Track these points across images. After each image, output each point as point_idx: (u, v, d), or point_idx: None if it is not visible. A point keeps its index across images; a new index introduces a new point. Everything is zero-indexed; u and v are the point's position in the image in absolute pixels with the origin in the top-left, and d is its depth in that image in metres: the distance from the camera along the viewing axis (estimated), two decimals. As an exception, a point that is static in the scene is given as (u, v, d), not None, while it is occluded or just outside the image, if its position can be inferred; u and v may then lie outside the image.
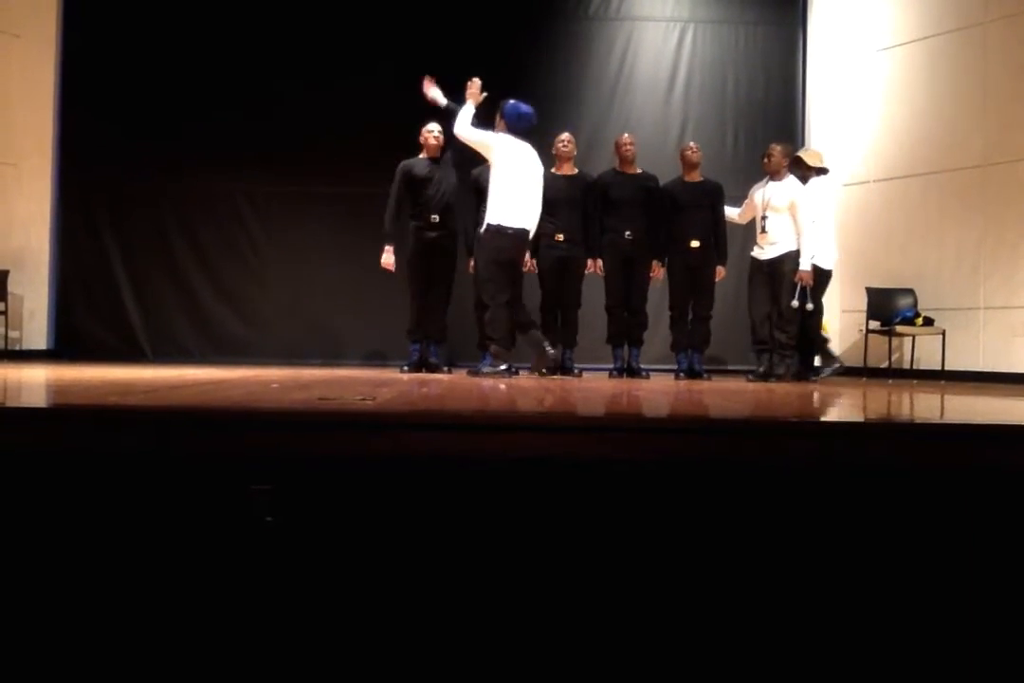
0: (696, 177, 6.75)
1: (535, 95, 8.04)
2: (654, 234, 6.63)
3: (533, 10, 8.44)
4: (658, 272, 6.69)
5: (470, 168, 6.46)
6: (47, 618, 2.12)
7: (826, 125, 8.39)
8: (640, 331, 6.72)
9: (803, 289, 6.29)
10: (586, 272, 6.59)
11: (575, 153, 6.64)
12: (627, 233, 6.53)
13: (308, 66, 8.19)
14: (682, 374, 6.63)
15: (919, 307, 7.39)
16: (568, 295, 6.55)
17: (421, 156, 6.51)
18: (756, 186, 6.66)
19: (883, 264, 7.82)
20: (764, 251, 6.53)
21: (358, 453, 2.25)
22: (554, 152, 6.58)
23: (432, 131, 6.42)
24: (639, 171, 6.76)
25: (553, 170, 6.54)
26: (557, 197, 6.41)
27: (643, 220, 6.60)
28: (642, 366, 6.75)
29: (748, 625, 2.17)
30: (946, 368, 7.13)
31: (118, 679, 2.10)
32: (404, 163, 6.47)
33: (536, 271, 6.53)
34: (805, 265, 6.32)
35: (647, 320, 6.75)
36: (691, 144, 6.89)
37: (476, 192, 6.37)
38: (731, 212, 6.86)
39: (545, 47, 8.32)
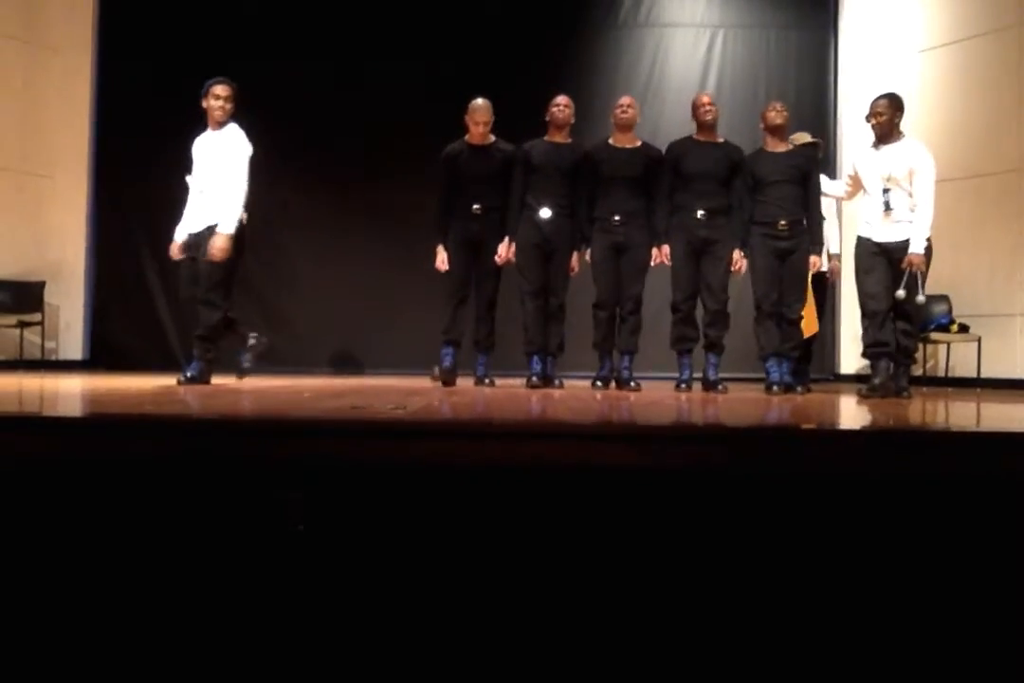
0: (782, 146, 5.56)
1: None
2: (735, 216, 5.51)
3: (563, 18, 8.45)
4: (739, 264, 5.49)
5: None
6: (81, 622, 2.13)
7: (858, 129, 8.31)
8: (719, 333, 5.50)
9: (913, 277, 5.05)
10: (651, 262, 5.56)
11: (637, 120, 5.66)
12: (700, 213, 5.43)
13: (339, 74, 8.24)
14: (775, 387, 5.29)
15: (954, 313, 7.30)
16: (628, 289, 5.51)
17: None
18: (859, 154, 5.50)
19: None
20: (883, 231, 5.20)
21: (390, 462, 2.26)
22: (612, 120, 5.64)
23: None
24: (721, 140, 5.66)
25: (609, 141, 5.63)
26: (614, 173, 5.50)
27: (721, 198, 5.49)
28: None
29: (756, 637, 2.15)
30: (982, 376, 7.05)
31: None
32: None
33: (589, 260, 5.59)
34: (918, 247, 5.07)
35: (728, 320, 5.54)
36: (776, 104, 5.64)
37: (525, 168, 5.58)
38: (828, 188, 5.82)
39: (576, 53, 8.33)
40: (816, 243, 5.52)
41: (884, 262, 5.17)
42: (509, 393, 4.74)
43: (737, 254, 5.47)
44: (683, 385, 5.51)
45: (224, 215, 5.08)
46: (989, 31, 7.47)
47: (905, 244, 5.09)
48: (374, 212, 8.17)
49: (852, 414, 3.74)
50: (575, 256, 5.61)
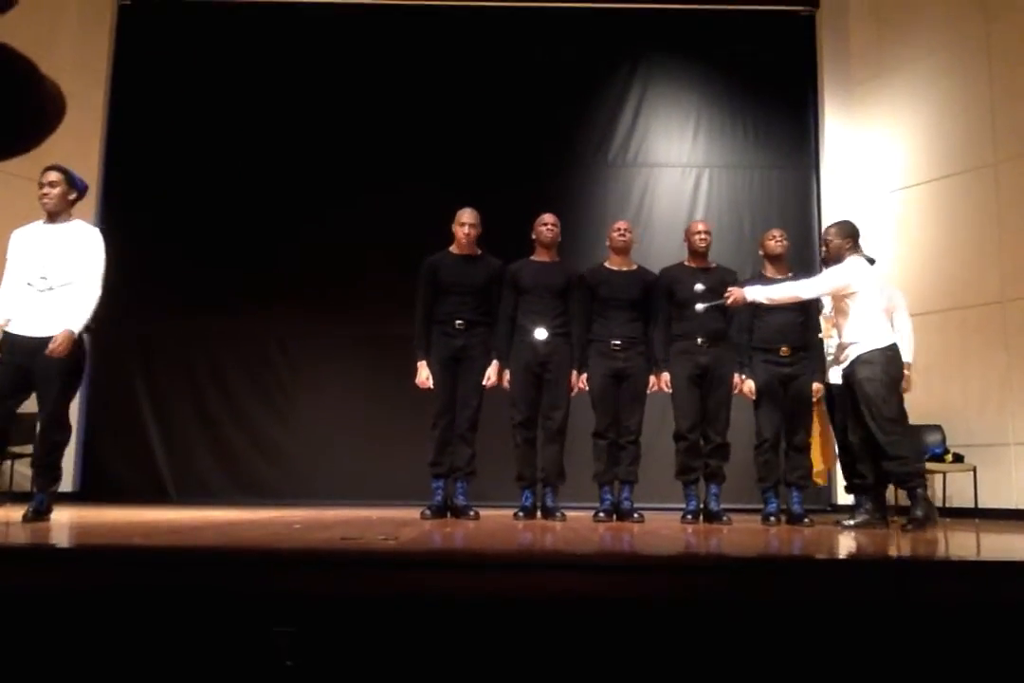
0: (781, 273, 5.52)
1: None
2: (734, 341, 5.47)
3: (555, 155, 8.77)
4: (740, 387, 5.42)
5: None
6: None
7: (843, 264, 8.51)
8: (721, 462, 5.38)
9: (718, 297, 5.15)
10: (648, 390, 5.44)
11: (633, 244, 5.65)
12: (700, 339, 5.36)
13: (334, 212, 8.49)
14: (772, 518, 5.28)
15: (948, 443, 7.30)
16: (628, 418, 5.38)
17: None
18: None
19: (908, 400, 7.78)
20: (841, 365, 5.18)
21: (381, 593, 2.22)
22: (607, 243, 5.63)
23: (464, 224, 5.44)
24: (713, 265, 5.63)
25: (606, 264, 5.59)
26: (612, 296, 5.43)
27: (719, 324, 5.42)
28: (722, 507, 5.39)
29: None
30: (979, 506, 6.99)
31: None
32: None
33: (587, 388, 5.43)
34: (755, 292, 5.10)
35: (729, 450, 5.42)
36: (775, 232, 5.62)
37: (515, 289, 5.47)
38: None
39: (566, 190, 8.56)
40: (819, 370, 5.45)
41: (844, 390, 5.09)
42: (502, 524, 4.68)
43: (738, 378, 5.40)
44: (689, 516, 5.35)
45: (76, 314, 4.41)
46: (967, 170, 7.75)
47: (849, 368, 4.93)
48: (367, 345, 8.26)
49: (852, 545, 3.70)
50: (574, 376, 5.42)
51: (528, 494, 5.40)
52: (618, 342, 5.38)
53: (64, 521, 4.41)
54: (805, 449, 5.43)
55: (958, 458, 7.15)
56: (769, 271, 5.57)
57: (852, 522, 5.04)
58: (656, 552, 2.97)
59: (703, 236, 5.56)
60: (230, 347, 8.46)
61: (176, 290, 8.40)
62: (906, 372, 5.66)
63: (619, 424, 5.39)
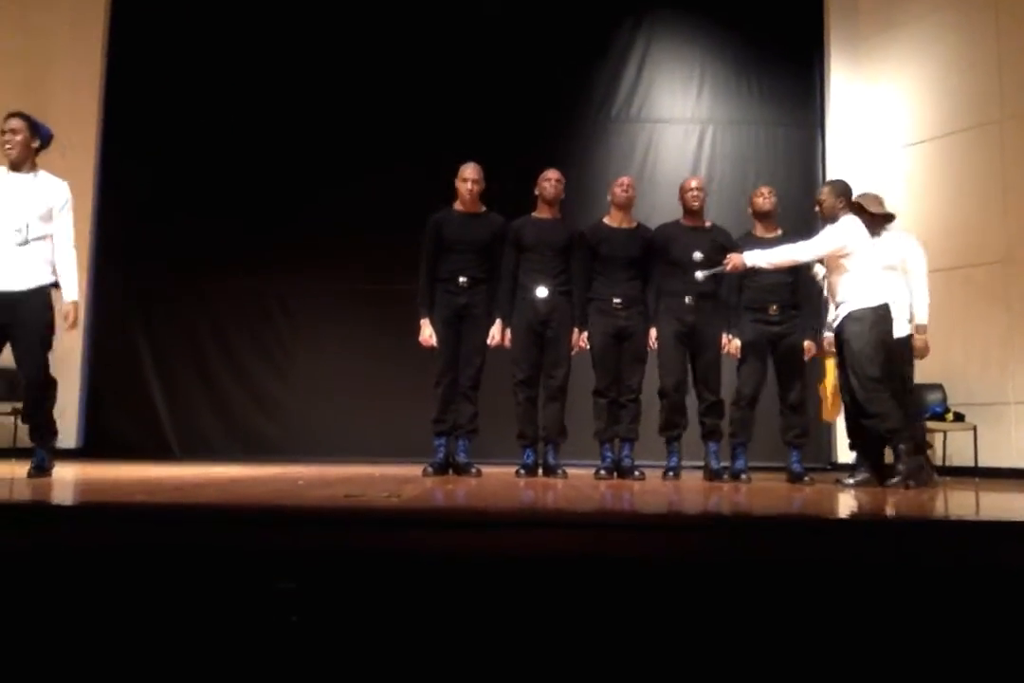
0: (771, 231, 5.48)
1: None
2: (724, 301, 5.45)
3: (558, 111, 8.68)
4: (728, 347, 5.41)
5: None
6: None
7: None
8: (716, 420, 5.38)
9: (720, 267, 5.10)
10: (649, 348, 5.42)
11: (635, 200, 5.61)
12: (688, 298, 5.34)
13: (335, 168, 8.42)
14: (744, 476, 5.33)
15: (949, 402, 7.31)
16: (628, 377, 5.38)
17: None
18: None
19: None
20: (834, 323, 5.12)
21: (384, 550, 2.24)
22: (609, 198, 5.53)
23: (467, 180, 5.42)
24: (708, 224, 5.57)
25: (606, 220, 5.53)
26: (612, 255, 5.39)
27: (710, 284, 5.33)
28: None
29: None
30: (979, 465, 7.02)
31: None
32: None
33: (587, 347, 5.43)
34: (754, 256, 5.02)
35: (724, 407, 5.42)
36: (763, 189, 5.58)
37: (517, 248, 5.44)
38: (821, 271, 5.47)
39: (569, 146, 8.47)
40: (812, 328, 5.44)
41: (839, 355, 5.05)
42: (504, 482, 4.70)
43: (725, 338, 5.41)
44: (671, 473, 5.37)
45: (69, 280, 4.48)
46: (972, 127, 7.67)
47: (840, 326, 4.93)
48: (368, 302, 8.25)
49: (852, 504, 3.71)
50: (575, 335, 5.41)
51: (530, 452, 5.41)
52: (619, 301, 5.37)
53: (67, 478, 4.43)
54: (799, 407, 5.39)
55: (959, 417, 7.16)
56: (759, 230, 5.51)
57: (852, 480, 5.08)
58: (656, 511, 2.98)
59: (696, 193, 5.47)
60: (231, 304, 8.45)
61: (176, 247, 8.36)
62: (918, 335, 5.55)
63: (620, 383, 5.39)
